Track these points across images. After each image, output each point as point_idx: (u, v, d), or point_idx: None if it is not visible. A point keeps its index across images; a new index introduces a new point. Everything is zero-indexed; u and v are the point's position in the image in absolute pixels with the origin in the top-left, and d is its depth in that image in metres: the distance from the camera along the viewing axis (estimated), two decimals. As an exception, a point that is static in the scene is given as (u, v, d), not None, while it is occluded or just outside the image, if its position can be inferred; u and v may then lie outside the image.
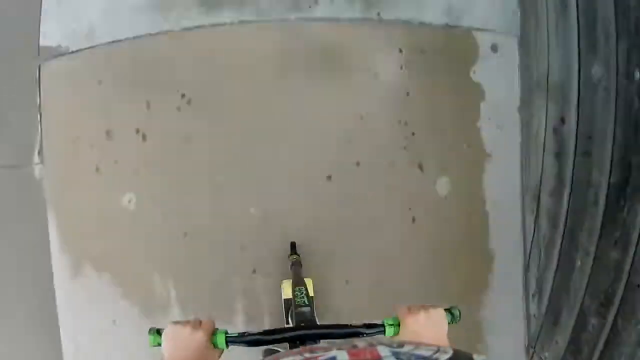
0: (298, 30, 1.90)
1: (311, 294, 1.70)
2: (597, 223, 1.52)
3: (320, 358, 0.40)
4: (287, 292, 1.71)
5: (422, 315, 0.72)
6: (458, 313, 0.77)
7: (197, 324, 0.72)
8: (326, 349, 0.42)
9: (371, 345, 0.41)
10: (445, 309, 0.76)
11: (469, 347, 0.44)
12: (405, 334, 0.73)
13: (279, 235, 1.92)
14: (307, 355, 0.41)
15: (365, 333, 0.75)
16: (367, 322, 0.76)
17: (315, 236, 1.95)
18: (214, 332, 0.73)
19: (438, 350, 0.39)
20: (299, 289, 1.22)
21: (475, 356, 0.38)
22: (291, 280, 1.64)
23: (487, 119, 1.97)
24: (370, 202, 1.96)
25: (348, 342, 0.45)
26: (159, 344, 0.72)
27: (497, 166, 1.99)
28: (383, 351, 0.39)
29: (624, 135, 1.40)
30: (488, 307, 2.00)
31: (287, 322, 1.72)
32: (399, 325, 0.75)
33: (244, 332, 0.75)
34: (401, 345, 0.41)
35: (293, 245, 1.91)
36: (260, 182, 1.94)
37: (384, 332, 0.76)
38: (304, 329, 0.78)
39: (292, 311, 1.03)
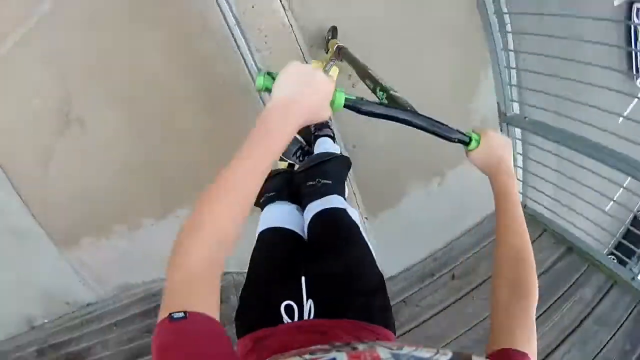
0: None
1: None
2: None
3: None
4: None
5: (501, 135, 0.81)
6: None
7: (327, 76, 0.64)
8: (326, 351, 0.42)
9: (371, 347, 0.42)
10: None
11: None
12: (484, 147, 0.79)
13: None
14: (307, 357, 0.41)
15: (455, 138, 0.78)
16: (459, 129, 0.79)
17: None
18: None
19: (437, 352, 0.39)
20: (376, 79, 1.02)
21: (474, 357, 0.39)
22: (336, 64, 1.57)
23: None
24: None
25: (348, 345, 0.46)
26: (268, 89, 0.63)
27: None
28: (383, 353, 0.39)
29: None
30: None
31: None
32: (478, 142, 0.80)
33: (362, 98, 0.70)
34: (400, 347, 0.41)
35: (334, 30, 1.67)
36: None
37: (469, 142, 0.79)
38: (414, 114, 0.76)
39: (383, 98, 0.90)
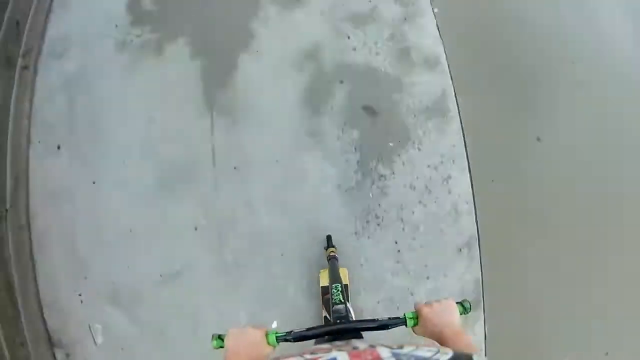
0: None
1: (346, 281, 1.84)
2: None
3: (321, 359, 0.40)
4: (323, 280, 1.86)
5: (435, 305, 0.84)
6: (469, 305, 0.87)
7: (254, 328, 0.85)
8: (327, 350, 0.42)
9: (371, 346, 0.42)
10: (457, 302, 0.87)
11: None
12: (423, 323, 0.84)
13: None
14: (309, 356, 0.42)
15: (390, 325, 0.86)
16: (391, 316, 0.87)
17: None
18: (266, 333, 0.86)
19: (438, 352, 0.39)
20: (335, 286, 1.28)
21: (475, 357, 0.39)
22: (327, 271, 1.74)
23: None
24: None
25: (349, 344, 0.46)
26: (222, 347, 0.85)
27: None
28: (383, 352, 0.39)
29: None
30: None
31: (324, 309, 1.81)
32: (418, 318, 0.86)
33: (290, 331, 0.88)
34: (401, 346, 0.41)
35: (329, 239, 1.96)
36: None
37: (405, 323, 0.86)
38: (339, 325, 0.91)
39: (330, 308, 1.09)
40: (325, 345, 0.47)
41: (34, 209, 2.03)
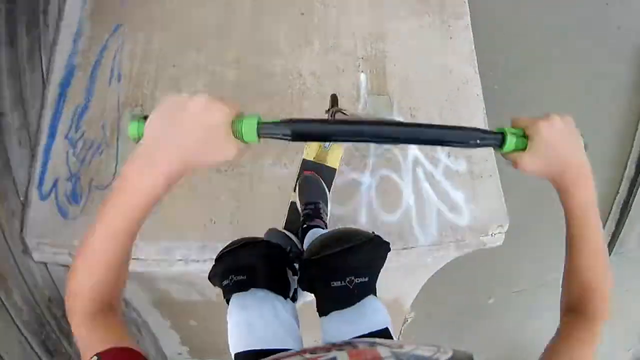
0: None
1: (335, 165, 1.58)
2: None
3: (321, 359, 0.40)
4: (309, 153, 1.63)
5: (558, 121, 0.51)
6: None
7: (214, 100, 0.45)
8: (327, 350, 0.42)
9: (371, 346, 0.42)
10: None
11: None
12: (536, 147, 0.51)
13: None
14: (308, 356, 0.42)
15: (479, 142, 0.51)
16: (478, 127, 0.52)
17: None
18: (239, 117, 0.47)
19: (438, 351, 0.39)
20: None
21: (475, 356, 0.39)
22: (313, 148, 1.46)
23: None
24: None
25: (348, 344, 0.46)
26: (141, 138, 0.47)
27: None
28: (383, 352, 0.39)
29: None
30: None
31: (295, 191, 1.57)
32: (523, 136, 0.52)
33: (290, 119, 0.47)
34: (401, 346, 0.42)
35: (334, 99, 1.40)
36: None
37: (502, 143, 0.51)
38: (383, 124, 0.55)
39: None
40: (326, 345, 0.47)
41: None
